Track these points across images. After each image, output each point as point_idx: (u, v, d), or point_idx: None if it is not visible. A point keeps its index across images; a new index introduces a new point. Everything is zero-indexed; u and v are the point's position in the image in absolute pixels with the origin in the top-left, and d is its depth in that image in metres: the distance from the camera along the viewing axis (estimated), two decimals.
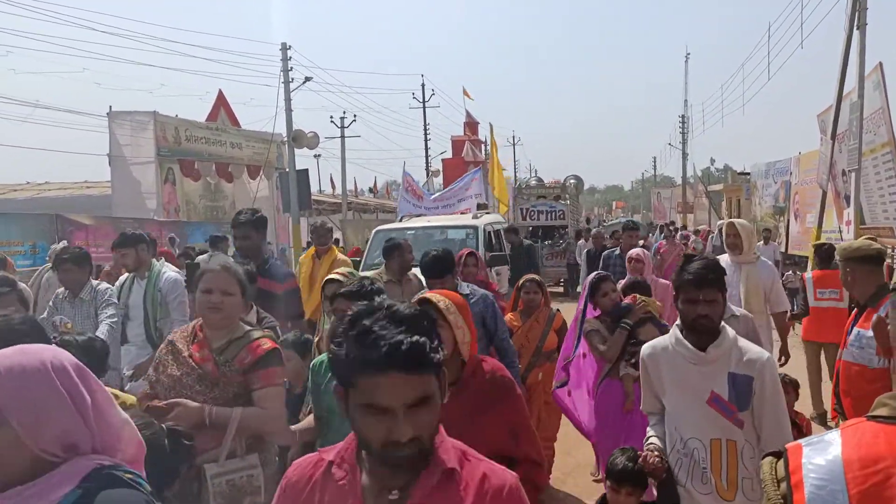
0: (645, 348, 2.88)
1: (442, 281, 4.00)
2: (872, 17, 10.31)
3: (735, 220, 5.41)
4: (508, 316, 4.95)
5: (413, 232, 10.55)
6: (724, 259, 5.09)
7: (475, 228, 10.42)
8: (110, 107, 18.36)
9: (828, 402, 6.10)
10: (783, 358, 5.33)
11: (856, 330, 3.30)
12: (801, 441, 1.14)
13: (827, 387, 6.07)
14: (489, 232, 10.71)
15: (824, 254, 6.78)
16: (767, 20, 58.85)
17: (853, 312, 3.54)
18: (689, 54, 43.69)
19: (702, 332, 2.63)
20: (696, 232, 23.64)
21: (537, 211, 19.32)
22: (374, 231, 11.06)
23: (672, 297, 3.07)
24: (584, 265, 10.26)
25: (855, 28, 10.37)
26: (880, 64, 10.95)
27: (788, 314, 5.76)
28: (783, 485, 1.10)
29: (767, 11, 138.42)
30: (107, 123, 18.21)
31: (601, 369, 4.27)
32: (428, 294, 2.67)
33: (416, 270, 5.16)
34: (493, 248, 10.60)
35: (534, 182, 24.13)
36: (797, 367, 7.51)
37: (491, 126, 21.87)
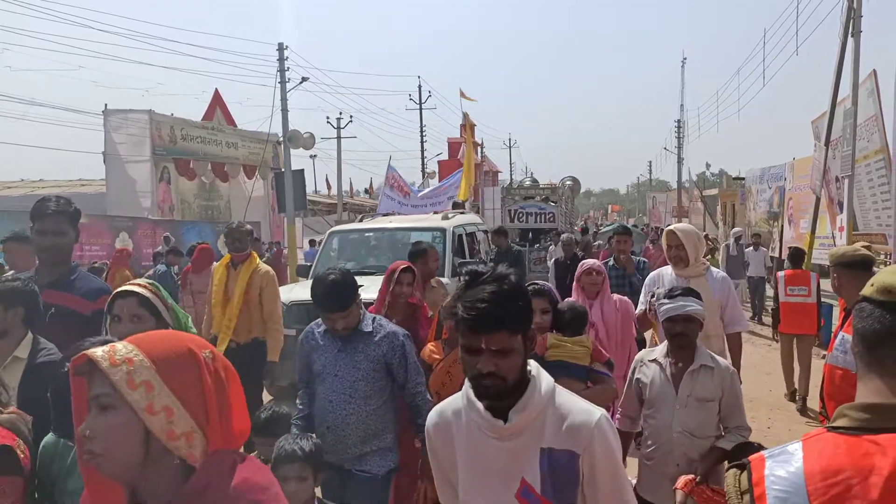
0: (430, 415, 1.92)
1: (343, 315, 3.16)
2: (867, 25, 10.38)
3: (676, 227, 4.53)
4: (429, 347, 3.81)
5: (372, 234, 9.58)
6: (667, 273, 4.51)
7: (442, 231, 8.98)
8: (106, 105, 18.37)
9: (802, 390, 7.46)
10: None
11: (841, 334, 3.31)
12: (764, 452, 1.14)
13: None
14: (459, 235, 9.28)
15: (795, 255, 8.00)
16: (763, 26, 59.16)
17: (840, 317, 3.56)
18: (685, 59, 43.80)
19: (489, 398, 1.71)
20: None
21: (526, 213, 18.37)
22: (328, 232, 9.94)
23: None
24: (551, 276, 8.54)
25: (850, 35, 10.43)
26: (874, 71, 11.01)
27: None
28: (746, 497, 1.10)
29: (763, 18, 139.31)
30: (102, 121, 18.20)
31: None
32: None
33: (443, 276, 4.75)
34: (464, 254, 9.17)
35: (528, 182, 23.27)
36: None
37: (466, 115, 21.20)
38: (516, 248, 10.12)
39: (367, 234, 9.61)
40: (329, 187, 38.39)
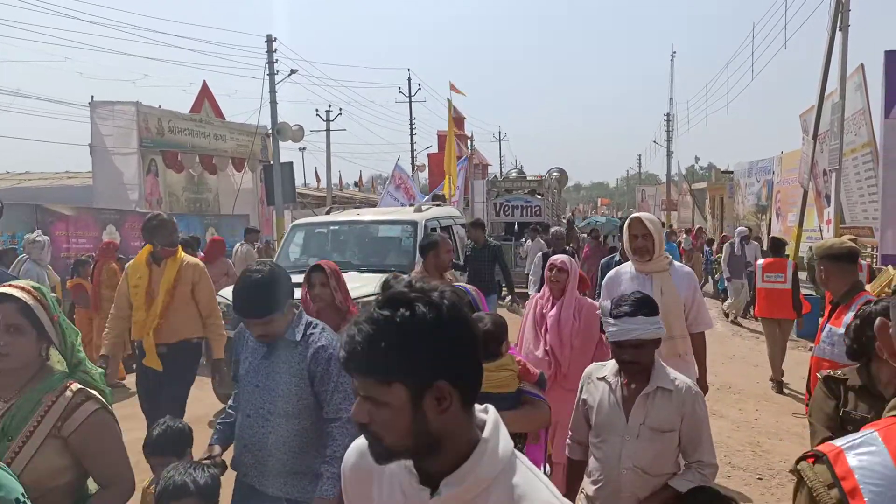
0: (349, 451, 1.47)
1: (261, 322, 2.72)
2: (855, 19, 10.43)
3: (642, 215, 4.06)
4: None
5: (337, 227, 8.87)
6: (626, 269, 4.13)
7: (413, 224, 8.35)
8: (92, 97, 18.16)
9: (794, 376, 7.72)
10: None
11: (828, 327, 3.33)
12: (838, 443, 1.14)
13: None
14: (433, 228, 8.57)
15: (775, 244, 8.62)
16: (752, 20, 59.32)
17: (827, 310, 3.58)
18: (674, 53, 43.80)
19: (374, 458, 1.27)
20: (688, 231, 21.72)
21: (511, 206, 17.52)
22: (290, 226, 9.27)
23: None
24: (536, 271, 8.00)
25: (837, 30, 10.47)
26: (862, 66, 11.07)
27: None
28: (834, 491, 1.09)
29: (752, 11, 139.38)
30: (89, 113, 18.02)
31: None
32: None
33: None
34: None
35: (514, 174, 22.65)
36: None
37: (450, 101, 20.50)
38: (494, 242, 9.18)
39: (332, 228, 8.90)
40: (318, 180, 38.23)
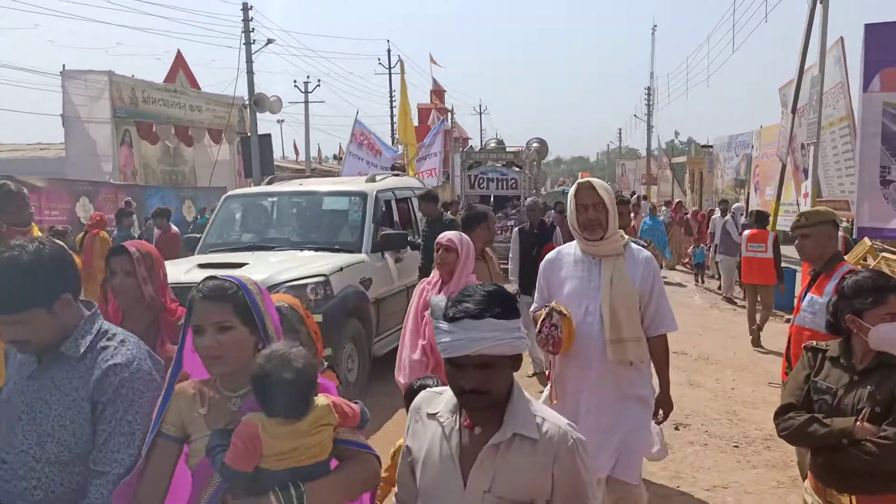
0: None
1: (15, 320, 1.86)
2: None
3: (593, 180, 3.15)
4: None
5: (275, 199, 7.87)
6: (569, 250, 3.24)
7: (363, 196, 7.24)
8: (63, 65, 17.76)
9: (761, 321, 8.75)
10: (660, 413, 3.27)
11: (809, 296, 3.35)
12: None
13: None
14: (387, 200, 7.72)
15: (759, 217, 9.45)
16: None
17: (806, 280, 3.60)
18: (655, 26, 43.88)
19: None
20: (667, 204, 21.58)
21: (487, 178, 16.48)
22: (223, 197, 8.17)
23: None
24: (515, 247, 7.23)
25: (818, 2, 10.45)
26: (841, 38, 11.08)
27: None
28: None
29: None
30: (60, 83, 17.61)
31: None
32: None
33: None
34: (393, 224, 7.83)
35: (493, 144, 21.76)
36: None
37: (401, 60, 19.03)
38: (450, 217, 7.97)
39: (271, 200, 7.87)
40: (297, 153, 37.86)
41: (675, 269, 16.45)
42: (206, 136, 21.13)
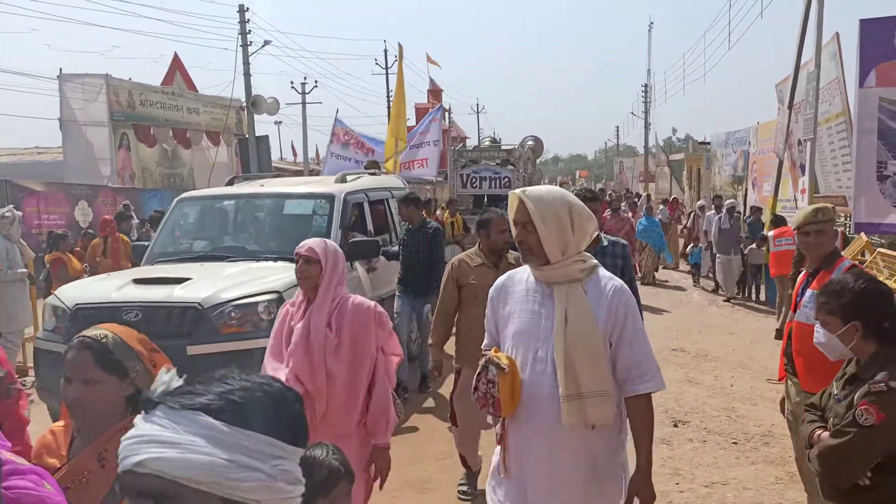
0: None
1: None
2: None
3: (528, 191, 2.40)
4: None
5: (233, 202, 7.02)
6: (520, 280, 2.48)
7: (329, 198, 6.45)
8: (61, 69, 17.77)
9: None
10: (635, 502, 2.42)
11: (809, 292, 3.36)
12: None
13: None
14: (358, 203, 6.87)
15: (777, 219, 10.33)
16: None
17: (804, 276, 3.61)
18: (652, 24, 43.73)
19: None
20: (664, 202, 21.13)
21: (479, 177, 15.83)
22: (175, 200, 7.22)
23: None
24: None
25: None
26: (837, 34, 11.10)
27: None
28: None
29: None
30: (57, 86, 17.62)
31: None
32: None
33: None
34: (365, 229, 6.98)
35: (487, 143, 19.79)
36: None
37: (400, 46, 15.21)
38: (434, 224, 7.09)
39: (227, 203, 7.05)
40: (295, 154, 37.86)
41: (677, 270, 16.25)
42: (204, 139, 21.13)
